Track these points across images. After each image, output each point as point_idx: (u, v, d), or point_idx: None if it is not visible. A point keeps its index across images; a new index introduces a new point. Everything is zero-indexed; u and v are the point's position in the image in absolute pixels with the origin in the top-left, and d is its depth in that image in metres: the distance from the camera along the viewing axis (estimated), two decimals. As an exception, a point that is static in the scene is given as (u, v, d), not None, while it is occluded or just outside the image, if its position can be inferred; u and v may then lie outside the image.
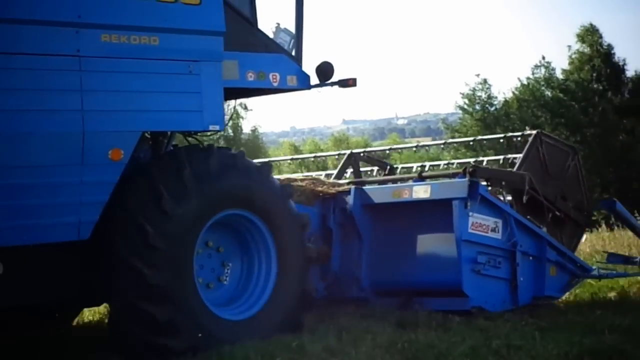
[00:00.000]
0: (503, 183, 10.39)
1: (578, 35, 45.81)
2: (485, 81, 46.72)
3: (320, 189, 10.68)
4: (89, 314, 11.15)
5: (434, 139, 42.33)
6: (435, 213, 9.95)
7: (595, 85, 44.77)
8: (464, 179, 9.76)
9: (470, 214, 9.74)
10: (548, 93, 45.58)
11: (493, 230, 9.98)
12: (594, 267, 11.02)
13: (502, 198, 10.32)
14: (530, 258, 10.29)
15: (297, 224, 9.20)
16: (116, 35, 8.29)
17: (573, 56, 45.78)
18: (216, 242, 8.93)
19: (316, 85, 10.29)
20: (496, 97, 46.60)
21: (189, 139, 9.62)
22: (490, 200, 9.94)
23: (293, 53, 10.15)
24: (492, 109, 45.97)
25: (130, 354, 8.39)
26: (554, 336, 8.20)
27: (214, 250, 8.93)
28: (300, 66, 10.17)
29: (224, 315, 8.68)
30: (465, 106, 46.26)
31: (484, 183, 10.06)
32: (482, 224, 9.87)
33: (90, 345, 9.35)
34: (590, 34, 45.49)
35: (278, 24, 10.25)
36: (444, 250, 9.87)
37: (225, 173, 8.67)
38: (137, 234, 8.15)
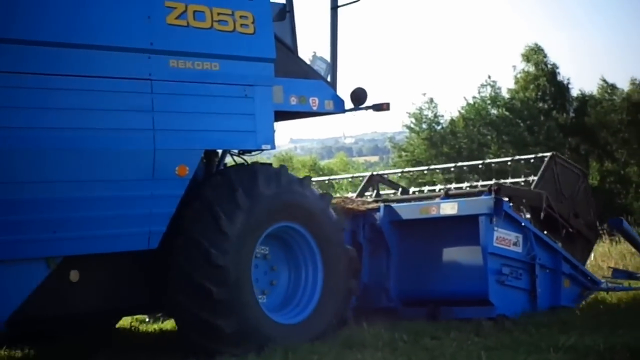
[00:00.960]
0: (524, 201, 11.19)
1: (523, 55, 46.42)
2: (431, 100, 46.83)
3: (350, 206, 11.42)
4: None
5: (381, 158, 42.54)
6: (461, 228, 10.70)
7: (540, 104, 45.31)
8: (489, 197, 10.55)
9: (495, 228, 10.52)
10: (494, 112, 45.95)
11: (514, 244, 10.76)
12: (602, 281, 11.82)
13: (522, 215, 11.12)
14: (547, 270, 11.08)
15: (337, 228, 9.95)
16: (182, 61, 9.02)
17: (518, 75, 46.42)
18: (264, 252, 9.61)
19: (350, 110, 11.06)
20: (442, 116, 46.86)
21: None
22: (512, 216, 10.73)
23: (329, 79, 10.90)
24: (439, 127, 46.22)
25: (179, 330, 9.20)
26: (499, 355, 8.46)
27: (262, 259, 9.61)
28: (336, 91, 10.93)
29: (280, 320, 9.37)
30: (412, 125, 46.29)
31: (506, 200, 10.84)
32: (505, 238, 10.64)
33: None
34: (535, 54, 46.12)
35: (314, 52, 11.02)
36: (470, 262, 10.62)
37: (271, 189, 9.38)
38: (201, 255, 8.85)
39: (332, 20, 11.04)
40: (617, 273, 12.10)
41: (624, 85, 51.76)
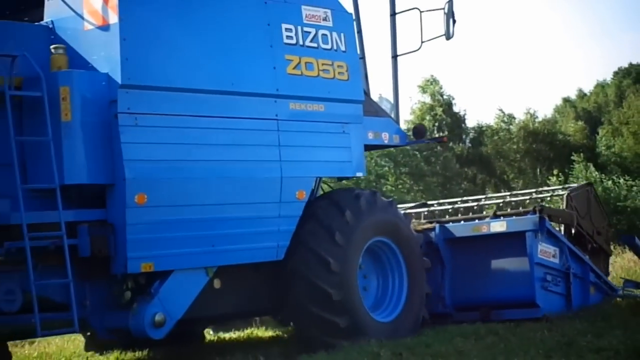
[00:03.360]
0: (560, 219, 13.20)
1: (419, 86, 47.22)
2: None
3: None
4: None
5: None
6: (509, 243, 12.64)
7: (437, 135, 45.01)
8: (534, 216, 12.53)
9: (540, 242, 12.49)
10: (390, 143, 47.28)
11: (553, 256, 12.73)
12: (619, 288, 13.85)
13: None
14: (578, 279, 13.06)
15: (417, 242, 11.85)
16: (299, 104, 10.88)
17: (414, 106, 47.06)
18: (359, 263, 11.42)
19: (413, 142, 12.99)
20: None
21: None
22: (552, 232, 12.71)
23: (393, 116, 12.81)
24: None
25: (301, 328, 10.98)
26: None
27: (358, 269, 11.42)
28: (400, 127, 12.84)
29: (377, 318, 11.21)
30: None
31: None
32: (546, 251, 12.61)
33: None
34: (431, 85, 46.99)
35: (380, 94, 12.93)
36: (518, 271, 12.54)
37: (370, 209, 11.25)
38: (320, 264, 10.68)
39: (393, 67, 12.94)
40: (627, 283, 14.08)
41: (520, 115, 54.40)
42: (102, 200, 9.57)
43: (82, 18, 9.62)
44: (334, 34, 11.24)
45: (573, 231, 13.35)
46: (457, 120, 47.48)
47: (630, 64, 63.14)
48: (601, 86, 63.25)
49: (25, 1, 10.60)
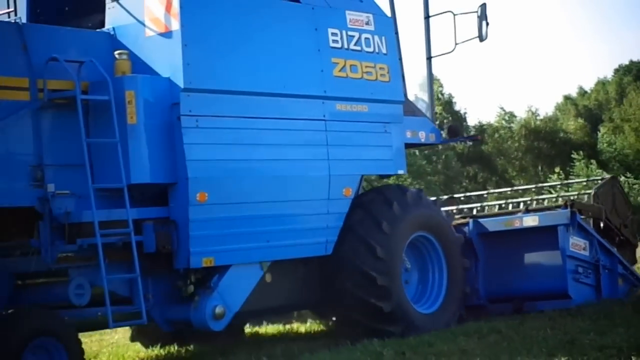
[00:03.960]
0: (589, 214, 13.70)
1: (420, 85, 48.44)
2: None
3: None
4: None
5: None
6: (541, 237, 13.14)
7: None
8: (566, 210, 13.03)
9: (571, 236, 12.99)
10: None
11: (584, 249, 13.23)
12: (646, 279, 14.35)
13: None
14: (607, 271, 13.56)
15: (457, 238, 12.33)
16: (345, 105, 11.37)
17: None
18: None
19: (448, 141, 13.49)
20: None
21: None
22: (583, 226, 13.22)
23: (429, 115, 13.30)
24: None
25: (345, 313, 11.40)
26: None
27: None
28: (435, 126, 13.34)
29: (418, 309, 11.71)
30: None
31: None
32: (577, 244, 13.12)
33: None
34: None
35: (416, 94, 13.41)
36: (551, 263, 13.04)
37: (416, 204, 11.75)
38: (367, 250, 11.16)
39: (428, 68, 13.43)
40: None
41: (521, 113, 54.60)
42: (163, 199, 10.04)
43: (144, 25, 10.09)
44: (376, 37, 11.72)
45: (602, 225, 13.83)
46: (458, 119, 47.74)
47: (631, 61, 63.44)
48: (602, 83, 63.46)
49: (83, 7, 11.07)
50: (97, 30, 10.40)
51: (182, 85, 9.80)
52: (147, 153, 9.75)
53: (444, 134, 13.58)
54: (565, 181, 19.22)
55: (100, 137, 9.62)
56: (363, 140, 11.53)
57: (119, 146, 9.52)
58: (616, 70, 63.85)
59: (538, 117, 51.90)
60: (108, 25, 10.38)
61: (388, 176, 12.52)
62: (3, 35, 9.42)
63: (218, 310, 10.06)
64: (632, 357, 8.66)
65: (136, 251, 9.51)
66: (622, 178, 37.39)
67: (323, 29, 11.17)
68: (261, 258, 10.51)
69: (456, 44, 13.11)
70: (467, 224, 13.57)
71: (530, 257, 13.31)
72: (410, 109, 12.84)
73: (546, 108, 62.43)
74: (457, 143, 13.71)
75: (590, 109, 58.13)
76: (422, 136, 12.93)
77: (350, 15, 11.48)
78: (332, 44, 11.25)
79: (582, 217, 13.39)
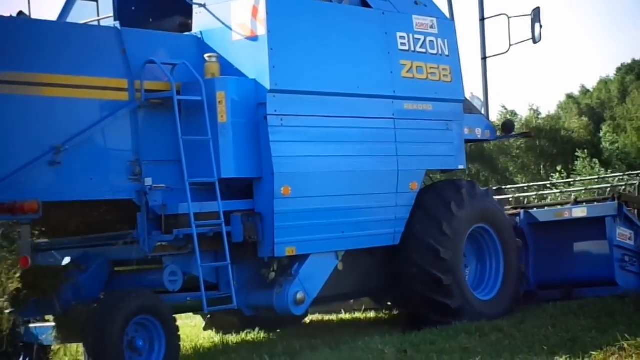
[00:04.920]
0: (635, 205, 14.44)
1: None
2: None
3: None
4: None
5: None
6: (589, 227, 13.89)
7: None
8: (614, 202, 13.77)
9: (618, 226, 13.74)
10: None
11: (629, 238, 13.98)
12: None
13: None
14: (650, 259, 14.33)
15: (511, 226, 13.09)
16: (411, 104, 12.11)
17: None
18: None
19: (502, 137, 14.22)
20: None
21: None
22: (629, 217, 13.95)
23: (484, 112, 14.02)
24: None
25: (412, 309, 12.11)
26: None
27: None
28: (490, 122, 14.06)
29: (478, 296, 12.46)
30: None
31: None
32: (624, 234, 13.87)
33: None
34: None
35: (472, 92, 14.14)
36: (599, 252, 13.81)
37: (471, 199, 12.48)
38: (434, 225, 11.94)
39: (483, 68, 14.15)
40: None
41: (523, 112, 54.81)
42: (247, 192, 10.79)
43: (231, 29, 10.83)
44: (439, 40, 12.45)
45: (646, 216, 14.59)
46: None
47: (634, 60, 63.52)
48: (604, 82, 63.56)
49: (162, 11, 11.81)
50: (186, 34, 11.11)
51: (268, 87, 10.54)
52: (235, 150, 10.50)
53: (498, 130, 14.29)
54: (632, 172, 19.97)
55: (191, 134, 10.33)
56: (427, 137, 12.26)
57: (210, 143, 10.24)
58: (618, 69, 63.98)
59: (540, 116, 52.21)
60: (195, 29, 11.10)
61: (450, 171, 13.23)
62: (104, 39, 10.17)
63: (299, 296, 10.82)
64: (634, 355, 8.82)
65: (226, 241, 10.25)
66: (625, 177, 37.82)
67: (392, 33, 11.90)
68: (336, 248, 11.26)
69: (510, 45, 13.78)
70: (518, 214, 14.31)
71: (579, 246, 14.07)
72: (467, 106, 13.54)
73: (548, 107, 62.71)
74: (509, 140, 14.46)
75: (593, 107, 58.23)
76: (479, 133, 13.65)
77: (417, 20, 12.21)
78: (400, 47, 11.98)
79: (628, 208, 14.11)
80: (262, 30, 10.61)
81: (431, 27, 12.37)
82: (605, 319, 11.24)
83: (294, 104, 10.80)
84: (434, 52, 12.38)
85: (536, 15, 13.45)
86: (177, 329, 10.11)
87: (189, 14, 11.43)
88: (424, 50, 12.25)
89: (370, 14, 11.78)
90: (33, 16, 10.82)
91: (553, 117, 55.06)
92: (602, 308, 11.93)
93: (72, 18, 12.01)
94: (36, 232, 10.47)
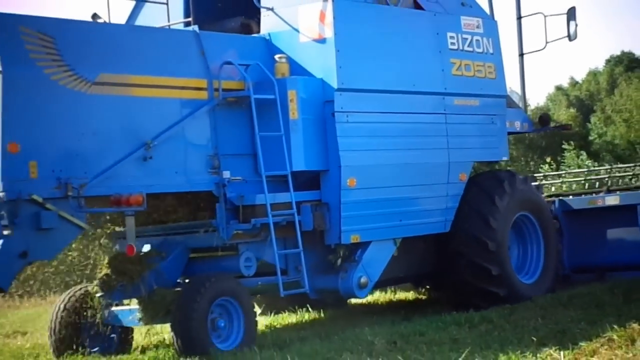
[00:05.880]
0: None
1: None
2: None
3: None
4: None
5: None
6: (622, 214, 14.72)
7: None
8: (645, 191, 14.65)
9: (650, 215, 14.61)
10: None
11: (659, 226, 14.84)
12: None
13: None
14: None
15: (550, 215, 13.91)
16: (461, 100, 12.93)
17: None
18: None
19: (539, 130, 15.05)
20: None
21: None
22: (659, 206, 14.82)
23: (521, 106, 14.84)
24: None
25: (463, 299, 12.84)
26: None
27: None
28: (527, 116, 14.88)
29: (521, 279, 13.30)
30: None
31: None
32: (654, 221, 14.73)
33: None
34: None
35: (510, 87, 14.96)
36: (630, 238, 14.65)
37: (512, 190, 13.27)
38: (482, 220, 12.75)
39: (520, 64, 14.96)
40: None
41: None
42: (311, 184, 11.59)
43: (298, 32, 11.61)
44: (484, 39, 13.26)
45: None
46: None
47: (623, 52, 62.95)
48: (593, 74, 63.01)
49: (226, 12, 12.58)
50: (255, 35, 11.89)
51: (335, 86, 11.36)
52: (305, 144, 11.31)
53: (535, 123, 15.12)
54: None
55: (263, 130, 11.11)
56: (475, 131, 13.08)
57: (283, 138, 11.04)
58: (607, 61, 64.04)
59: (529, 107, 52.49)
60: (263, 31, 11.89)
61: (495, 162, 14.05)
62: (184, 42, 10.96)
63: (363, 280, 11.64)
64: (623, 347, 8.79)
65: (299, 229, 11.06)
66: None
67: (443, 33, 12.71)
68: (395, 235, 12.09)
69: (547, 42, 14.57)
70: (553, 202, 15.15)
71: (611, 233, 14.92)
72: (507, 101, 14.34)
73: (537, 98, 63.27)
74: (546, 132, 15.27)
75: (582, 99, 58.12)
76: (517, 125, 14.46)
77: (464, 20, 13.02)
78: (450, 46, 12.78)
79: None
80: (329, 33, 11.40)
81: (477, 27, 13.16)
82: (595, 310, 11.33)
83: (358, 101, 11.61)
84: (480, 50, 13.18)
85: (571, 14, 14.22)
86: (254, 310, 10.90)
87: (249, 15, 12.22)
88: (471, 49, 13.05)
89: (423, 16, 12.58)
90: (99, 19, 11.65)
91: (542, 109, 55.49)
92: (591, 300, 12.08)
93: (140, 21, 12.74)
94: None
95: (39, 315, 16.46)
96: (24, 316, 17.34)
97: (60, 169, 9.66)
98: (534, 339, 9.45)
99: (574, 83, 64.64)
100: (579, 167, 35.57)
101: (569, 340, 9.25)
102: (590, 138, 49.63)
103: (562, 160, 41.49)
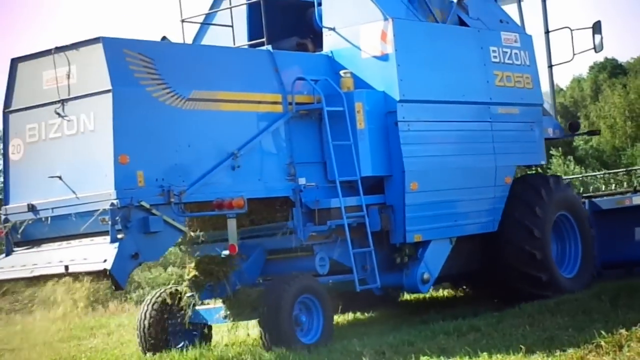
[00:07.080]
0: (687, 194, 16.38)
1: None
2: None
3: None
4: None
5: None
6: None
7: None
8: (671, 191, 15.71)
9: (675, 213, 15.67)
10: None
11: (680, 223, 15.90)
12: None
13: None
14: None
15: (587, 215, 14.96)
16: (504, 108, 13.97)
17: None
18: None
19: (569, 135, 16.12)
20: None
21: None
22: (682, 206, 15.89)
23: (552, 114, 15.90)
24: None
25: (509, 284, 13.82)
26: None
27: None
28: (558, 122, 15.95)
29: (563, 274, 14.33)
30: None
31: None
32: (678, 220, 15.79)
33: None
34: None
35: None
36: (657, 235, 15.73)
37: (557, 189, 14.32)
38: (527, 209, 13.76)
39: (550, 75, 16.02)
40: None
41: None
42: (374, 188, 12.58)
43: (359, 49, 12.65)
44: (521, 52, 14.32)
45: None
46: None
47: (606, 59, 64.27)
48: (577, 81, 64.56)
49: (283, 33, 13.57)
50: (319, 53, 12.91)
51: (397, 98, 12.40)
52: (371, 152, 12.33)
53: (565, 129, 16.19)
54: None
55: (334, 140, 12.10)
56: (516, 137, 14.13)
57: (352, 147, 12.05)
58: (591, 68, 64.98)
59: None
60: (326, 49, 12.91)
61: (535, 166, 15.11)
62: (261, 60, 11.98)
63: (425, 276, 12.64)
64: (611, 353, 8.87)
65: (369, 230, 12.06)
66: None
67: (486, 47, 13.77)
68: (451, 234, 13.10)
69: (574, 54, 15.62)
70: (583, 203, 16.20)
71: (639, 231, 15.95)
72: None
73: None
74: (576, 137, 16.43)
75: (567, 106, 58.86)
76: (550, 132, 15.51)
77: (504, 35, 14.08)
78: (493, 59, 13.84)
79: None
80: (390, 49, 12.44)
81: (515, 41, 14.23)
82: (582, 317, 11.39)
83: (417, 111, 12.65)
84: (518, 62, 14.24)
85: (597, 27, 15.28)
86: (331, 306, 11.84)
87: (303, 35, 13.25)
88: (510, 62, 14.10)
89: (469, 32, 13.65)
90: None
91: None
92: (578, 306, 12.15)
93: (206, 42, 13.71)
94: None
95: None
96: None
97: (162, 177, 10.63)
98: (522, 346, 9.55)
99: (558, 90, 65.37)
100: (566, 173, 36.45)
101: (556, 347, 9.40)
102: (575, 144, 50.40)
103: (549, 167, 42.39)
